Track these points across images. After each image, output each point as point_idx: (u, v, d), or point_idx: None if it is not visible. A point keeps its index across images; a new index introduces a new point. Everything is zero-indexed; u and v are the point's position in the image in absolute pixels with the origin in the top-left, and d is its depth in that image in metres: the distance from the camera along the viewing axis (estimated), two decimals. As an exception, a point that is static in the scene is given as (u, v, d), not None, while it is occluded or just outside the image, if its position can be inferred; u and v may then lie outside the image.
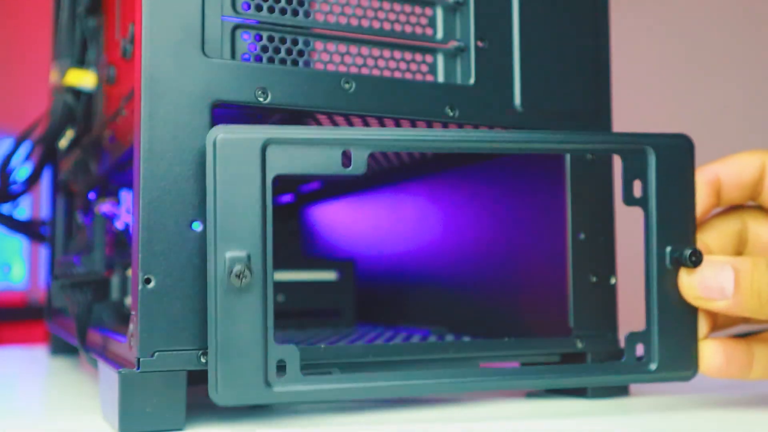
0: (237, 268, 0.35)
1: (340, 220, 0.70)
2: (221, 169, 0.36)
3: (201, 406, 0.42)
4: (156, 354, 0.36)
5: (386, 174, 0.61)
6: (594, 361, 0.45)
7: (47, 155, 0.67)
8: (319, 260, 0.64)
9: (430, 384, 0.39)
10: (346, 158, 0.37)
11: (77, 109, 0.57)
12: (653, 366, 0.41)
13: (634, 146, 0.41)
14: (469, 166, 0.54)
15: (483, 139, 0.40)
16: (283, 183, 0.69)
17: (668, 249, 0.41)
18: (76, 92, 0.58)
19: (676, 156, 0.41)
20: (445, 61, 0.44)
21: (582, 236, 0.44)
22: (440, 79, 0.44)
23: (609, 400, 0.44)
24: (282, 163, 0.36)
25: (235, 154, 0.36)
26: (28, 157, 0.66)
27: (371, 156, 0.53)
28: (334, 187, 0.69)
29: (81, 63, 0.58)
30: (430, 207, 0.58)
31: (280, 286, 0.59)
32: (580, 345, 0.45)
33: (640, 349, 0.41)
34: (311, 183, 0.69)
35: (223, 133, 0.36)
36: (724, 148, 0.47)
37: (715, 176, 0.42)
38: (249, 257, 0.35)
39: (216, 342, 0.35)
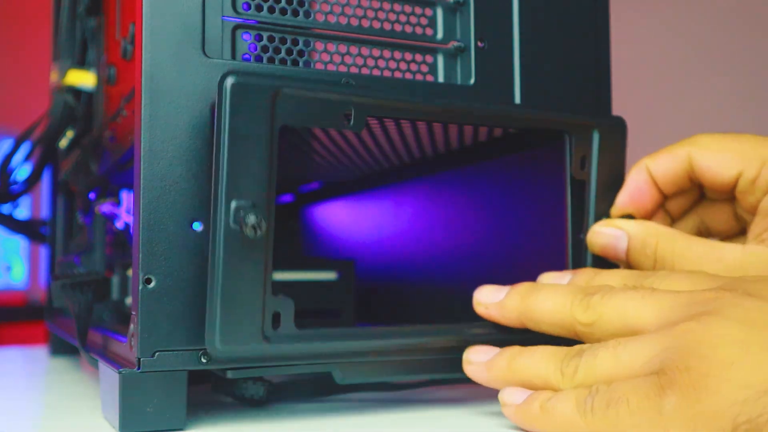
0: (252, 218, 0.34)
1: (340, 220, 0.70)
2: (231, 114, 0.35)
3: (201, 406, 0.42)
4: (156, 354, 0.36)
5: (386, 174, 0.61)
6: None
7: (47, 155, 0.67)
8: (319, 260, 0.64)
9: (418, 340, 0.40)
10: (347, 117, 0.38)
11: (77, 109, 0.57)
12: None
13: (584, 125, 0.44)
14: (469, 166, 0.54)
15: (451, 107, 0.41)
16: (283, 183, 0.69)
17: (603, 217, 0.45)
18: (77, 92, 0.57)
19: (614, 135, 0.45)
20: (445, 61, 0.44)
21: (582, 236, 0.44)
22: (440, 79, 0.44)
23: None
24: (289, 113, 0.36)
25: (245, 100, 0.35)
26: (28, 157, 0.66)
27: (372, 156, 0.53)
28: (334, 187, 0.69)
29: (81, 63, 0.58)
30: (430, 207, 0.58)
31: (279, 286, 0.59)
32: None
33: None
34: (311, 183, 0.69)
35: (234, 78, 0.35)
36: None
37: (645, 167, 0.44)
38: (254, 206, 0.35)
39: (218, 293, 0.35)
